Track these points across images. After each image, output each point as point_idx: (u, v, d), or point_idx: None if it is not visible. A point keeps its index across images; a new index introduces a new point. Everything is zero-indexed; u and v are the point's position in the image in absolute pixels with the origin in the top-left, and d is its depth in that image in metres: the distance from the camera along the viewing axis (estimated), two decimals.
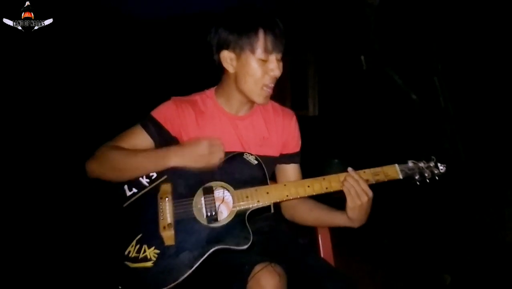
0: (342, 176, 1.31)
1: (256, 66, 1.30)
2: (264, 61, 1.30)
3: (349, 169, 1.31)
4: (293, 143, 1.52)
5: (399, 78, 3.72)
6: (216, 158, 1.30)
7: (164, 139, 1.37)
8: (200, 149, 1.28)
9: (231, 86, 1.39)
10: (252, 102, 1.44)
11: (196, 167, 1.29)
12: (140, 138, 1.36)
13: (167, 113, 1.38)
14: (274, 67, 1.32)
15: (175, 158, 1.27)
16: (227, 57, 1.33)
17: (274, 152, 1.48)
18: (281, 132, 1.49)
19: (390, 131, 4.10)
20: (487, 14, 3.30)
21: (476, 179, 3.24)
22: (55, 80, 4.46)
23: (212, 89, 1.48)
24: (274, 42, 1.29)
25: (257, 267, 1.12)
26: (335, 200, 1.36)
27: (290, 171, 1.52)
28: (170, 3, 4.94)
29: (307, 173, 1.40)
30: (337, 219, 1.38)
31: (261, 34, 1.28)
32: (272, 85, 1.36)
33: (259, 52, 1.29)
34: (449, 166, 1.38)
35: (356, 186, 1.27)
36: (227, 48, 1.32)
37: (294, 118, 1.54)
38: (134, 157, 1.30)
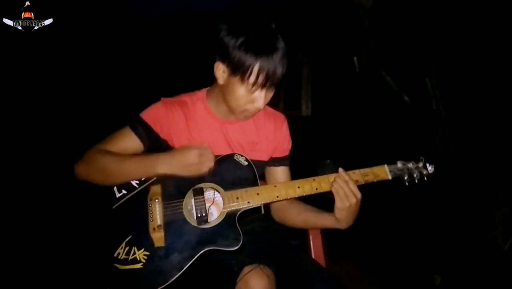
0: (332, 176, 1.31)
1: (241, 93, 1.27)
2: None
3: (340, 169, 1.31)
4: (283, 147, 1.51)
5: (391, 80, 3.74)
6: (205, 167, 1.28)
7: (154, 141, 1.36)
8: (189, 157, 1.26)
9: (219, 94, 1.37)
10: None
11: (185, 175, 1.27)
12: (129, 140, 1.34)
13: (156, 115, 1.36)
14: (259, 100, 1.28)
15: (164, 166, 1.25)
16: (220, 69, 1.29)
17: (263, 156, 1.47)
18: (272, 137, 1.48)
19: (382, 133, 4.12)
20: (479, 16, 3.33)
21: (467, 180, 3.25)
22: (53, 79, 4.45)
23: (204, 91, 1.46)
24: (267, 79, 1.24)
25: (246, 269, 1.11)
26: (328, 201, 1.36)
27: (280, 172, 1.51)
28: (168, 2, 4.94)
29: (299, 173, 1.39)
30: (325, 220, 1.38)
31: (256, 67, 1.21)
32: (254, 113, 1.35)
33: (249, 84, 1.24)
34: (439, 167, 1.38)
35: (345, 187, 1.27)
36: (223, 60, 1.26)
37: (286, 122, 1.53)
38: (122, 163, 1.28)
